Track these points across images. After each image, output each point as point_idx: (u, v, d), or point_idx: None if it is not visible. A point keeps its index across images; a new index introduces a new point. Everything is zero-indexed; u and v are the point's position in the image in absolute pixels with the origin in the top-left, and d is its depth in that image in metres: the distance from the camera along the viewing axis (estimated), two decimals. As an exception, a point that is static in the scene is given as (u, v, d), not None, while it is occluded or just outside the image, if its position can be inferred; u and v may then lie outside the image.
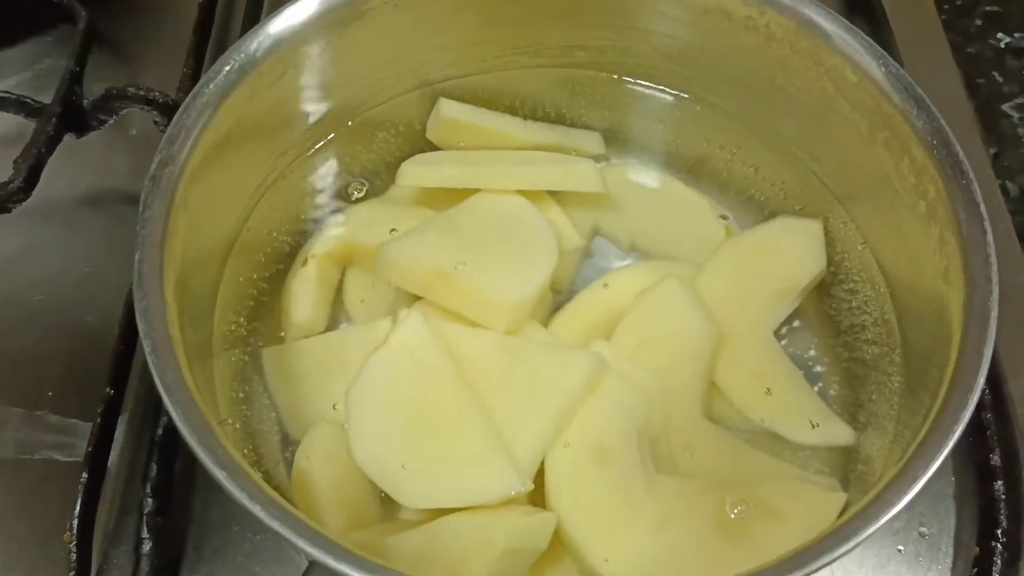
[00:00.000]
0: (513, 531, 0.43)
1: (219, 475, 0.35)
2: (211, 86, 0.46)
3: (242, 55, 0.47)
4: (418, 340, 0.47)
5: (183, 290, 0.43)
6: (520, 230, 0.53)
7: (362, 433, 0.45)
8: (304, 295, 0.53)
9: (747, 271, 0.54)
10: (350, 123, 0.59)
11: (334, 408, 0.48)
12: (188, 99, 0.45)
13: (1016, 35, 0.82)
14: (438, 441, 0.45)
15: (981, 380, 0.39)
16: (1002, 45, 0.82)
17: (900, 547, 0.55)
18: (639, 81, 0.61)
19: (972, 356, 0.39)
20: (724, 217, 0.58)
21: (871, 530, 0.35)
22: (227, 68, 0.46)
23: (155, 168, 0.43)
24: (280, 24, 0.49)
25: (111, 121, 0.67)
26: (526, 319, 0.51)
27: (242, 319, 0.52)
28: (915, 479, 0.36)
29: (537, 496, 0.47)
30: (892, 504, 0.36)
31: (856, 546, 0.35)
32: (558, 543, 0.46)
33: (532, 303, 0.51)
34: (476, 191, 0.55)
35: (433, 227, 0.53)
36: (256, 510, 0.34)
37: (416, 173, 0.56)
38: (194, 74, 0.71)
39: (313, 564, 0.36)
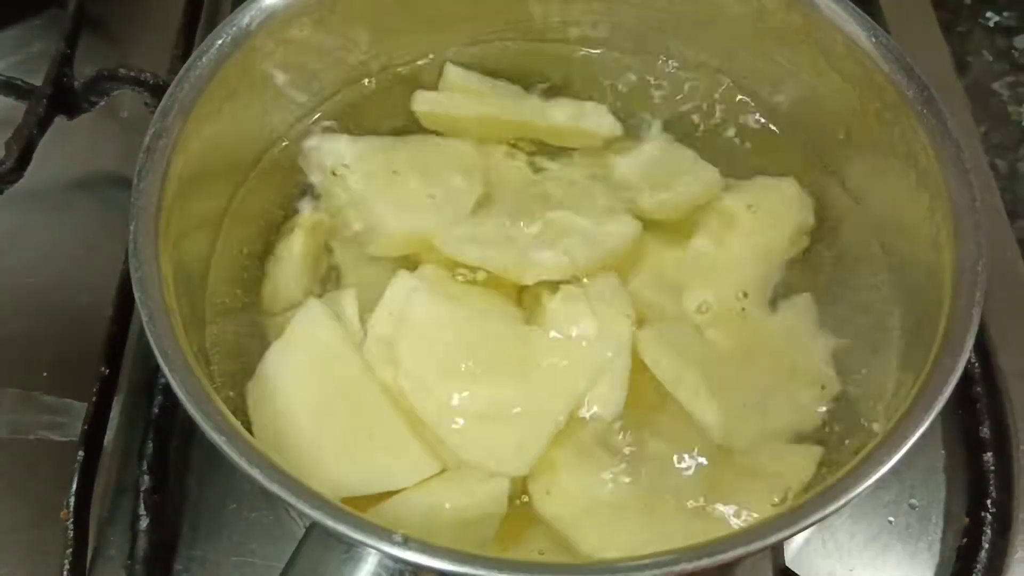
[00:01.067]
0: (466, 502, 0.44)
1: (218, 440, 0.35)
2: (204, 59, 0.46)
3: (234, 28, 0.47)
4: (319, 328, 0.47)
5: (178, 261, 0.43)
6: (451, 175, 0.54)
7: (265, 433, 0.45)
8: (288, 263, 0.53)
9: (732, 233, 0.54)
10: (342, 95, 0.59)
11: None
12: (181, 72, 0.45)
13: (1005, 14, 0.83)
14: (348, 431, 0.45)
15: (970, 342, 0.39)
16: (991, 24, 0.82)
17: (891, 518, 0.56)
18: (629, 52, 0.61)
19: (962, 319, 0.40)
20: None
21: (861, 488, 0.36)
22: (219, 42, 0.47)
23: (149, 140, 0.43)
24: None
25: (102, 103, 0.67)
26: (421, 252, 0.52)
27: (238, 291, 0.52)
28: (905, 438, 0.36)
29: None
30: (882, 463, 0.36)
31: (845, 504, 0.36)
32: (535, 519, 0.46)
33: (408, 240, 0.52)
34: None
35: (373, 146, 0.55)
36: (256, 474, 0.34)
37: (432, 99, 0.57)
38: (184, 55, 0.71)
39: (312, 527, 0.36)
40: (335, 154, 0.55)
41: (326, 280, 0.54)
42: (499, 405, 0.46)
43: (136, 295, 0.38)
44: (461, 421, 0.45)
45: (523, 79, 0.61)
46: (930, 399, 0.37)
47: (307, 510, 0.34)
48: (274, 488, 0.34)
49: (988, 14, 0.83)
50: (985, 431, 0.56)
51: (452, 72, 0.59)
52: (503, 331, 0.49)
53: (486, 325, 0.49)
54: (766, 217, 0.54)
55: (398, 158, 0.55)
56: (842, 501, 0.35)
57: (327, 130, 0.57)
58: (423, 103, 0.58)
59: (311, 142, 0.56)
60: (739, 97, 0.59)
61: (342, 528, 0.34)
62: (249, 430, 0.45)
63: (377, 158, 0.55)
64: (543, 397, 0.47)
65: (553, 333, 0.48)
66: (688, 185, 0.56)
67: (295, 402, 0.46)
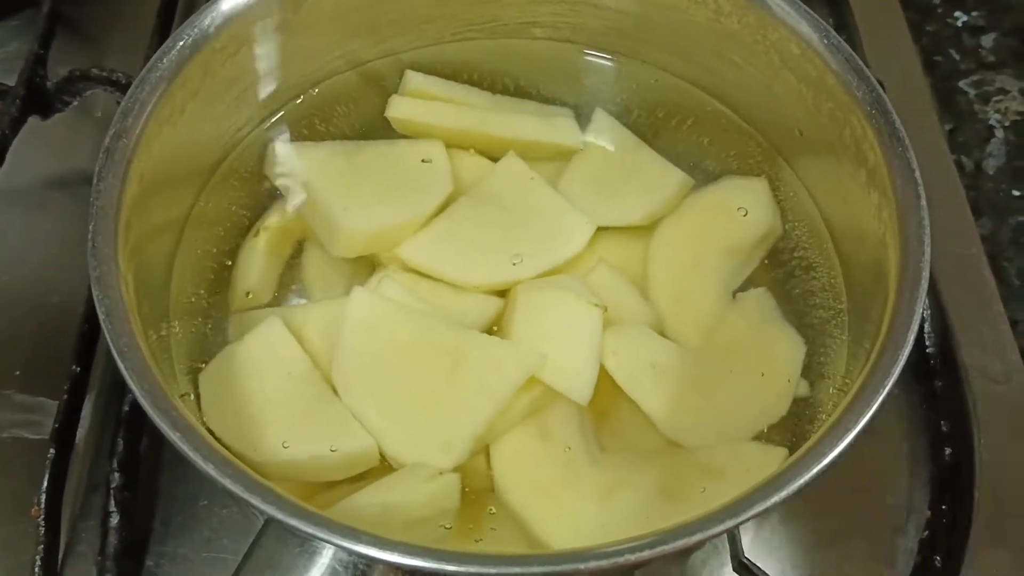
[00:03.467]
0: (416, 501, 0.44)
1: (172, 436, 0.36)
2: (164, 60, 0.46)
3: (195, 30, 0.48)
4: (276, 338, 0.49)
5: (138, 261, 0.44)
6: (416, 176, 0.55)
7: (215, 418, 0.47)
8: (251, 265, 0.53)
9: (698, 231, 0.55)
10: (306, 97, 0.59)
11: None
12: (142, 73, 0.46)
13: (973, 13, 0.83)
14: (294, 414, 0.47)
15: (911, 338, 0.40)
16: (959, 23, 0.83)
17: (853, 512, 0.56)
18: (594, 52, 0.62)
19: (904, 315, 0.40)
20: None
21: (804, 480, 0.36)
22: (180, 43, 0.47)
23: (109, 141, 0.44)
24: (232, 1, 0.49)
25: (75, 103, 0.68)
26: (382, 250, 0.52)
27: (202, 291, 0.52)
28: (847, 430, 0.37)
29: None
30: (824, 455, 0.37)
31: (787, 497, 0.37)
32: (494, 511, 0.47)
33: (371, 238, 0.52)
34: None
35: (336, 151, 0.55)
36: (209, 469, 0.35)
37: (407, 106, 0.57)
38: (158, 56, 0.71)
39: (267, 523, 0.36)
40: (297, 159, 0.56)
41: (290, 282, 0.55)
42: (425, 402, 0.47)
43: (94, 293, 0.39)
44: (387, 416, 0.47)
45: (487, 79, 0.61)
46: (872, 392, 0.38)
47: (261, 505, 0.35)
48: (227, 483, 0.35)
49: (956, 13, 0.83)
50: (946, 426, 0.57)
51: (413, 79, 0.59)
52: (440, 331, 0.49)
53: (423, 325, 0.49)
54: (734, 217, 0.55)
55: (361, 161, 0.55)
56: (784, 493, 0.36)
57: (291, 131, 0.58)
58: (398, 110, 0.58)
59: (275, 147, 0.56)
60: (700, 96, 0.60)
61: (295, 523, 0.35)
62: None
63: (339, 162, 0.55)
64: (470, 395, 0.47)
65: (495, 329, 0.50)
66: (659, 191, 0.57)
67: (246, 391, 0.47)
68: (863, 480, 0.57)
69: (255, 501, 0.35)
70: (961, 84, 0.79)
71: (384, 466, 0.48)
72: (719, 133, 0.59)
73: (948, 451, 0.57)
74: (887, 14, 0.79)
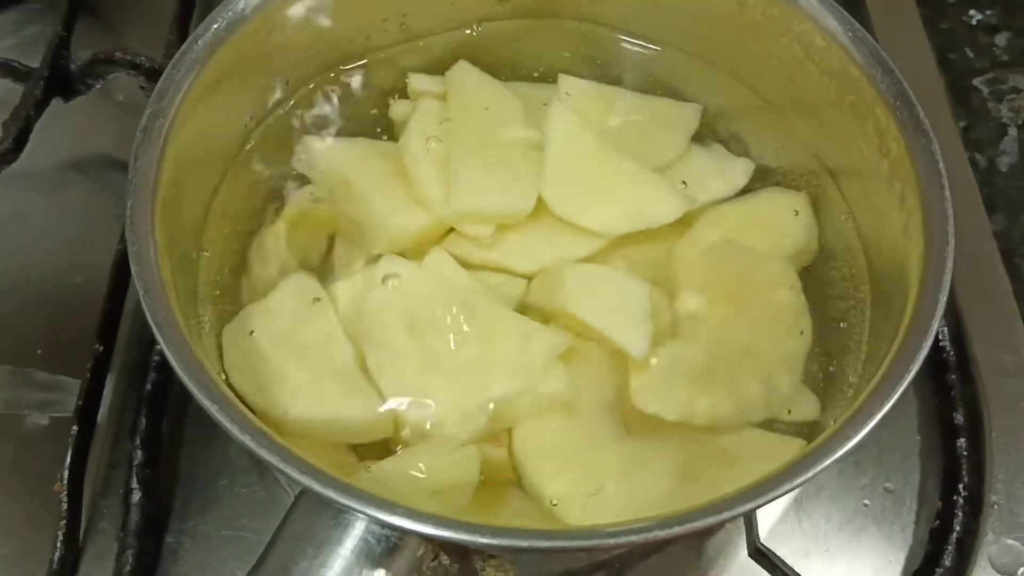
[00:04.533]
0: (437, 470, 0.45)
1: (211, 408, 0.36)
2: (200, 42, 0.47)
3: (230, 13, 0.48)
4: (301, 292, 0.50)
5: (172, 238, 0.44)
6: None
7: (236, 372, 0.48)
8: (271, 254, 0.54)
9: (732, 239, 0.54)
10: (334, 81, 0.60)
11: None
12: (177, 55, 0.46)
13: (987, 12, 0.84)
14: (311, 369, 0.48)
15: (935, 326, 0.40)
16: (974, 21, 0.83)
17: (866, 501, 0.57)
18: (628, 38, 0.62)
19: (927, 303, 0.41)
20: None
21: (822, 465, 0.37)
22: (215, 26, 0.48)
23: (146, 120, 0.44)
24: (267, -18, 0.50)
25: (97, 86, 0.68)
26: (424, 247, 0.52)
27: (227, 270, 0.53)
28: (870, 416, 0.38)
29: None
30: (847, 439, 0.37)
31: (806, 481, 0.37)
32: (513, 483, 0.48)
33: (417, 235, 0.53)
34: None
35: (369, 150, 0.56)
36: (247, 440, 0.36)
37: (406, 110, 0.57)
38: (179, 40, 0.71)
39: (301, 495, 0.37)
40: (332, 155, 0.56)
41: (310, 268, 0.55)
42: (449, 373, 0.47)
43: (132, 268, 0.39)
44: (410, 384, 0.47)
45: (510, 63, 0.62)
46: (895, 380, 0.39)
47: (296, 475, 0.35)
48: (264, 454, 0.35)
49: (971, 12, 0.84)
50: (959, 417, 0.58)
51: (416, 81, 0.59)
52: (472, 305, 0.50)
53: (452, 298, 0.50)
54: (769, 232, 0.55)
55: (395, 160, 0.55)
56: (804, 477, 0.37)
57: (314, 115, 0.58)
58: (399, 114, 0.58)
59: (307, 142, 0.57)
60: (725, 84, 0.60)
61: (330, 493, 0.35)
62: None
63: (376, 161, 0.55)
64: (495, 370, 0.48)
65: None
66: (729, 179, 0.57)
67: (267, 348, 0.48)
68: (876, 470, 0.58)
69: (292, 472, 0.35)
70: (975, 82, 0.79)
71: (398, 437, 0.48)
72: (747, 122, 0.60)
73: (960, 442, 0.57)
74: (902, 11, 0.79)
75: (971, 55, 0.81)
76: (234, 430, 0.36)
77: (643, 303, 0.50)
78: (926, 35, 0.78)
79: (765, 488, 0.36)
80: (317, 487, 0.35)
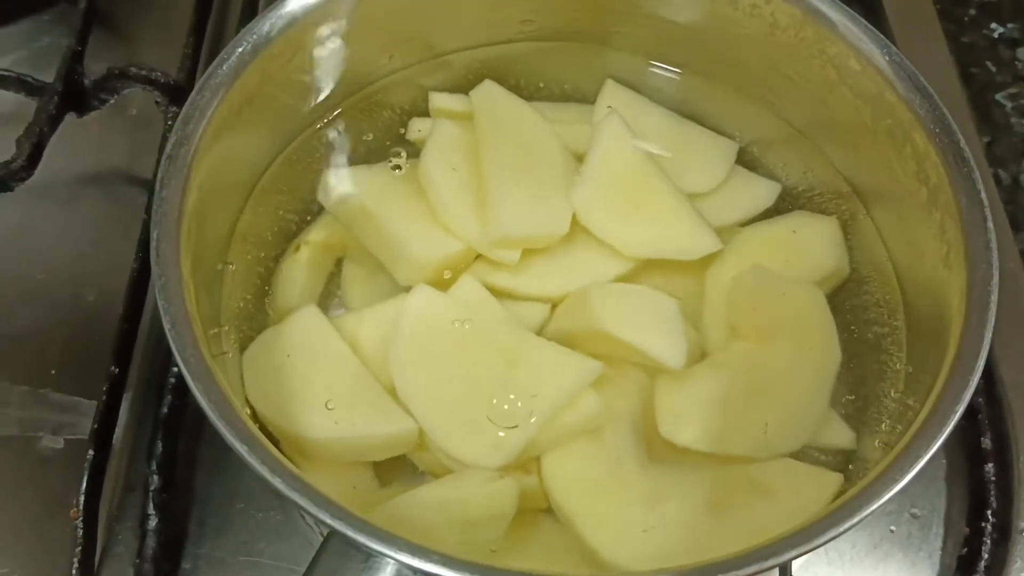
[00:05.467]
0: (473, 501, 0.44)
1: (240, 449, 0.36)
2: (224, 67, 0.46)
3: (255, 36, 0.47)
4: (313, 322, 0.50)
5: (196, 268, 0.43)
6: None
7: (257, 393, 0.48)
8: (293, 281, 0.53)
9: (761, 263, 0.53)
10: (357, 103, 0.59)
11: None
12: (202, 79, 0.45)
13: (1009, 25, 0.83)
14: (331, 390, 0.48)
15: (981, 363, 0.40)
16: (995, 35, 0.83)
17: (892, 528, 0.56)
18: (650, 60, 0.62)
19: (973, 339, 0.40)
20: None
21: (877, 504, 0.36)
22: (240, 49, 0.47)
23: (171, 148, 0.43)
24: (292, 6, 0.49)
25: (112, 100, 0.67)
26: (451, 273, 0.52)
27: (249, 296, 0.53)
28: (918, 456, 0.37)
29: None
30: (896, 481, 0.37)
31: (859, 522, 0.36)
32: (544, 511, 0.47)
33: (441, 264, 0.52)
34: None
35: (391, 176, 0.55)
36: (277, 483, 0.35)
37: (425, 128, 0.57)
38: (194, 54, 0.71)
39: (330, 535, 0.36)
40: (353, 184, 0.56)
41: (329, 298, 0.55)
42: (479, 399, 0.47)
43: (159, 303, 0.39)
44: (440, 409, 0.47)
45: (533, 82, 0.61)
46: (942, 418, 0.38)
47: (327, 519, 0.34)
48: (294, 496, 0.35)
49: (992, 25, 0.83)
50: (986, 442, 0.57)
51: (437, 99, 0.59)
52: (498, 331, 0.49)
53: (482, 323, 0.49)
54: (799, 254, 0.54)
55: (419, 185, 0.55)
56: (854, 520, 0.36)
57: (337, 137, 0.58)
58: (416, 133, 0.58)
59: (328, 174, 0.56)
60: (753, 107, 0.59)
61: (360, 538, 0.34)
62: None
63: (397, 186, 0.55)
64: (525, 398, 0.47)
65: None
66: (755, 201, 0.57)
67: (287, 371, 0.48)
68: (902, 496, 0.56)
69: (323, 516, 0.34)
70: (998, 97, 0.79)
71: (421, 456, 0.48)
72: (775, 145, 0.59)
73: (988, 467, 0.57)
74: (923, 26, 0.79)
75: (993, 69, 0.81)
76: (264, 472, 0.35)
77: (674, 315, 0.50)
78: (948, 49, 0.77)
79: (813, 532, 0.35)
80: (348, 532, 0.34)
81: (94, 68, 0.67)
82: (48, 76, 0.65)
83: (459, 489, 0.45)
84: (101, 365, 0.56)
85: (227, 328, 0.50)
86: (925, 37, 0.78)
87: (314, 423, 0.46)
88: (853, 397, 0.51)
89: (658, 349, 0.48)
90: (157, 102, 0.67)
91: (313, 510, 0.34)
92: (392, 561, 0.34)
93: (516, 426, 0.46)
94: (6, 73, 0.66)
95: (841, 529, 0.36)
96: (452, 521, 0.44)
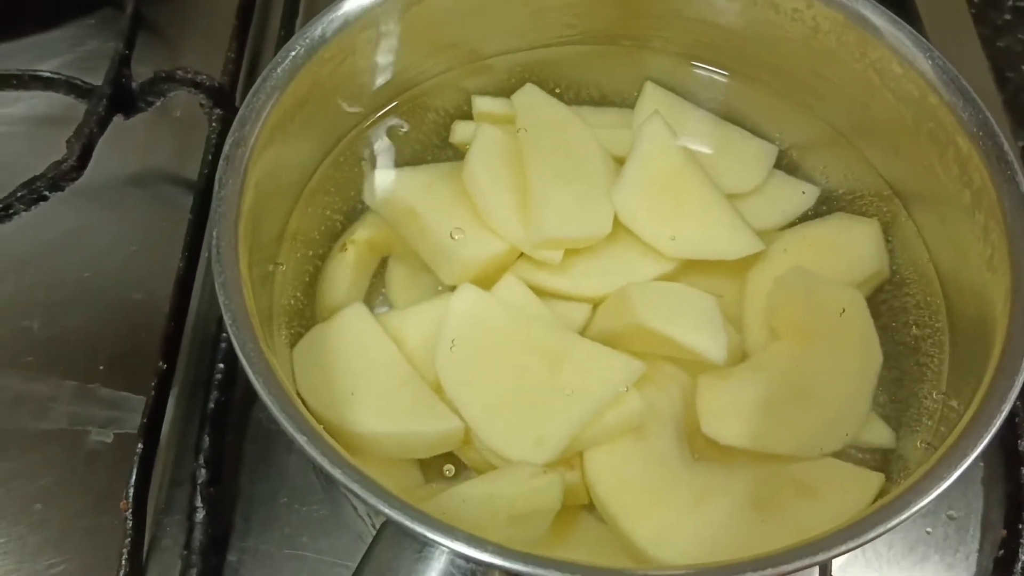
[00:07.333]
0: (519, 496, 0.45)
1: (301, 440, 0.37)
2: (278, 70, 0.47)
3: (307, 40, 0.49)
4: (361, 321, 0.51)
5: (252, 261, 0.44)
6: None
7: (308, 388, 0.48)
8: (339, 280, 0.54)
9: (802, 265, 0.54)
10: (402, 105, 0.60)
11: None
12: (258, 82, 0.46)
13: (1045, 29, 0.83)
14: (380, 389, 0.49)
15: (1025, 363, 0.40)
16: (1031, 39, 0.83)
17: (928, 529, 0.56)
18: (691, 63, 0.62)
19: (1018, 341, 0.40)
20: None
21: (923, 503, 0.37)
22: (293, 53, 0.48)
23: (228, 149, 0.44)
24: (345, 10, 0.50)
25: (158, 103, 0.69)
26: (493, 274, 0.53)
27: (299, 293, 0.53)
28: (964, 456, 0.37)
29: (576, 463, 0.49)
30: (941, 480, 0.37)
31: (905, 520, 0.37)
32: (585, 508, 0.48)
33: (486, 264, 0.53)
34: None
35: (433, 175, 0.56)
36: (336, 473, 0.36)
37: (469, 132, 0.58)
38: (237, 58, 0.72)
39: (385, 526, 0.37)
40: (399, 185, 0.56)
41: (375, 296, 0.56)
42: (523, 397, 0.48)
43: (220, 299, 0.40)
44: (485, 406, 0.47)
45: (579, 87, 0.62)
46: (987, 419, 0.38)
47: (385, 509, 0.35)
48: (354, 487, 0.36)
49: (1028, 29, 0.83)
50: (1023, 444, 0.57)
51: (480, 103, 0.59)
52: (542, 331, 0.50)
53: (526, 323, 0.50)
54: (840, 256, 0.55)
55: (460, 184, 0.55)
56: (900, 519, 0.36)
57: (383, 137, 0.59)
58: (462, 136, 0.59)
59: (374, 176, 0.57)
60: (794, 109, 0.60)
61: (417, 527, 0.35)
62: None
63: (442, 187, 0.55)
64: (568, 396, 0.48)
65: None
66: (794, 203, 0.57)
67: (336, 367, 0.48)
68: (939, 497, 0.56)
69: (380, 505, 0.35)
70: (1034, 101, 0.79)
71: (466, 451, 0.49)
72: (814, 147, 0.60)
73: (1025, 470, 0.57)
74: (958, 30, 0.79)
75: (1029, 73, 0.80)
76: (324, 462, 0.36)
77: (714, 311, 0.51)
78: (983, 53, 0.77)
79: (859, 530, 0.36)
80: (405, 520, 0.35)
81: (139, 72, 0.68)
82: (94, 79, 0.67)
83: (504, 485, 0.45)
84: (149, 362, 0.57)
85: (279, 324, 0.51)
86: (960, 41, 0.78)
87: (361, 419, 0.47)
88: (892, 397, 0.51)
89: (700, 343, 0.49)
90: (201, 104, 0.68)
91: (372, 500, 0.35)
92: (447, 551, 0.35)
93: (558, 426, 0.47)
94: (55, 76, 0.68)
95: (887, 526, 0.36)
96: (497, 516, 0.44)
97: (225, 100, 0.68)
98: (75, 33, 0.78)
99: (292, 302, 0.52)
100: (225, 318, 0.39)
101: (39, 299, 0.63)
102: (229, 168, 0.43)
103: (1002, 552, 0.55)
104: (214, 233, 0.41)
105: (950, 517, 0.57)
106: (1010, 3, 0.84)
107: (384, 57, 0.55)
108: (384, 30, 0.53)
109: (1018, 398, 0.57)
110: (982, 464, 0.59)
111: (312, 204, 0.56)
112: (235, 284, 0.40)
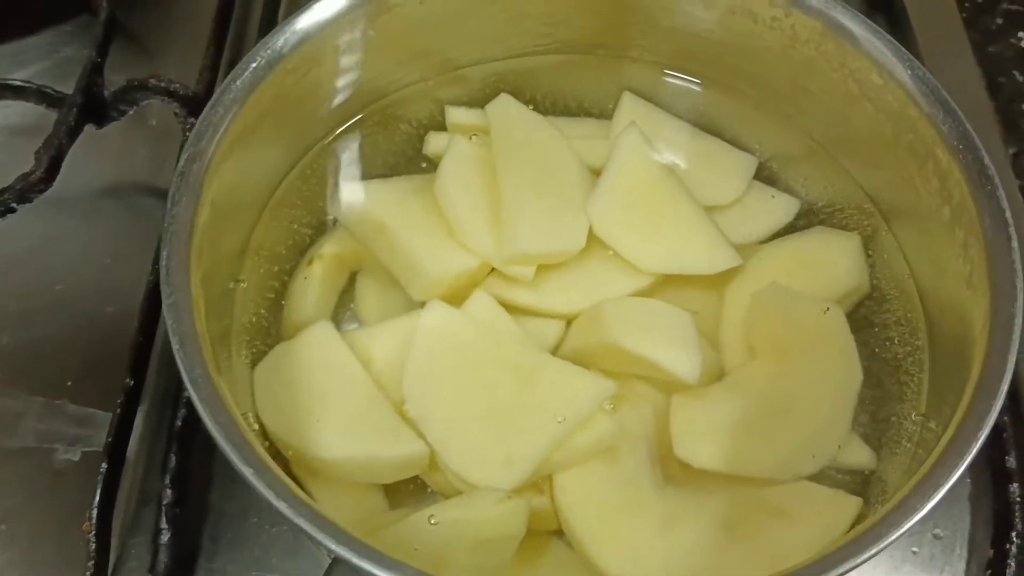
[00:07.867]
0: (484, 522, 0.44)
1: (246, 472, 0.35)
2: (238, 82, 0.46)
3: (269, 51, 0.47)
4: (326, 338, 0.49)
5: (208, 283, 0.43)
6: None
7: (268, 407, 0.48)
8: (305, 296, 0.53)
9: (780, 280, 0.53)
10: (372, 116, 0.59)
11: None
12: (216, 95, 0.45)
13: (1037, 35, 0.82)
14: (342, 411, 0.47)
15: (1004, 388, 0.39)
16: (1023, 45, 0.81)
17: (915, 549, 0.55)
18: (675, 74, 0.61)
19: (996, 364, 0.39)
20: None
21: (897, 534, 0.36)
22: (254, 64, 0.47)
23: (183, 164, 0.43)
24: (307, 20, 0.49)
25: (131, 112, 0.68)
26: (464, 290, 0.52)
27: (262, 311, 0.52)
28: (939, 484, 0.36)
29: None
30: (916, 510, 0.36)
31: (878, 552, 0.36)
32: (554, 533, 0.47)
33: (456, 279, 0.51)
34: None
35: (404, 188, 0.55)
36: (282, 507, 0.35)
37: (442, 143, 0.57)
38: (213, 65, 0.71)
39: (336, 560, 0.36)
40: (366, 198, 0.55)
41: (343, 312, 0.55)
42: (491, 417, 0.47)
43: (168, 322, 0.38)
44: (451, 427, 0.46)
45: (549, 96, 0.61)
46: (967, 440, 0.37)
47: (332, 545, 0.34)
48: (300, 521, 0.35)
49: (1020, 35, 0.82)
50: (1011, 461, 0.56)
51: (453, 114, 0.58)
52: (512, 349, 0.49)
53: (495, 341, 0.49)
54: (819, 271, 0.54)
55: (433, 199, 0.54)
56: (873, 551, 0.35)
57: (349, 151, 0.58)
58: (436, 147, 0.58)
59: (341, 187, 0.56)
60: (773, 121, 0.59)
61: (365, 565, 0.34)
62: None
63: (412, 201, 0.54)
64: (537, 417, 0.47)
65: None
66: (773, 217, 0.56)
67: (298, 388, 0.47)
68: (925, 517, 0.56)
69: (327, 541, 0.34)
70: (1024, 107, 0.77)
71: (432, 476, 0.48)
72: (793, 158, 0.59)
73: (1013, 487, 0.55)
74: (949, 36, 0.78)
75: (1020, 79, 0.79)
76: (269, 495, 0.35)
77: (689, 329, 0.49)
78: (974, 59, 0.76)
79: (833, 561, 0.35)
80: (354, 558, 0.34)
81: (114, 80, 0.67)
82: (68, 87, 0.66)
83: (469, 510, 0.44)
84: (117, 376, 0.56)
85: (239, 344, 0.49)
86: (951, 47, 0.77)
87: (324, 442, 0.46)
88: (872, 417, 0.50)
89: (672, 362, 0.48)
90: (176, 114, 0.67)
91: (318, 535, 0.34)
92: (399, 586, 0.34)
93: (527, 447, 0.46)
94: (26, 84, 0.66)
95: (860, 559, 0.35)
96: (462, 542, 0.43)
97: (200, 109, 0.66)
98: (52, 40, 0.77)
99: (254, 320, 0.51)
100: (172, 342, 0.38)
101: (9, 311, 0.62)
102: (183, 184, 0.42)
103: (989, 573, 0.54)
104: (164, 253, 0.40)
105: (936, 536, 0.56)
106: (1002, 8, 0.83)
107: (353, 67, 0.54)
108: (352, 39, 0.51)
109: (1006, 413, 0.57)
110: (968, 480, 0.57)
111: (277, 218, 0.55)
112: (185, 305, 0.39)
